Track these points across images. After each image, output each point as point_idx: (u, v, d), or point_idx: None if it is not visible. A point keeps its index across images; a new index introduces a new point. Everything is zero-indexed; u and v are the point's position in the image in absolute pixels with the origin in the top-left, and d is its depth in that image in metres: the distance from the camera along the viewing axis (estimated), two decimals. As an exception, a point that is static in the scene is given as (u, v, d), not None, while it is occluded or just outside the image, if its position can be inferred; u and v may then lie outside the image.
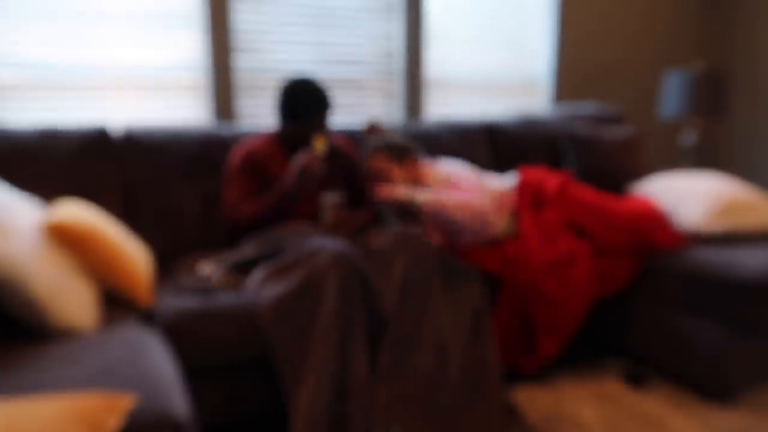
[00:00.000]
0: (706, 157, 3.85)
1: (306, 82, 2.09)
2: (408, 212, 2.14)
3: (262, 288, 1.77)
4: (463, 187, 2.17)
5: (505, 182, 2.34)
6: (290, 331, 1.68)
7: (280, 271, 1.79)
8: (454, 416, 1.75)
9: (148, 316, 1.71)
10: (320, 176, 2.01)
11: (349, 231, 2.07)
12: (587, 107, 3.06)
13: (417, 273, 1.80)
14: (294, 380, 1.65)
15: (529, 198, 2.28)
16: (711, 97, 3.03)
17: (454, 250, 2.12)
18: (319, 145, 2.01)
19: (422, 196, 2.08)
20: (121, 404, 1.04)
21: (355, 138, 2.49)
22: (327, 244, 1.77)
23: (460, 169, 2.25)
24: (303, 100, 2.08)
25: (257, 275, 1.84)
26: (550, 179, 2.33)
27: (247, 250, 1.97)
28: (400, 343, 1.74)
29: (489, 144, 2.79)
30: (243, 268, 1.92)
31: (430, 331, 1.77)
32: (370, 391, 1.67)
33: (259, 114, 2.75)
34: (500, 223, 2.22)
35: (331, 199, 2.03)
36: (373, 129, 2.42)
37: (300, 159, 1.97)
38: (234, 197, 2.10)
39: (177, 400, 1.16)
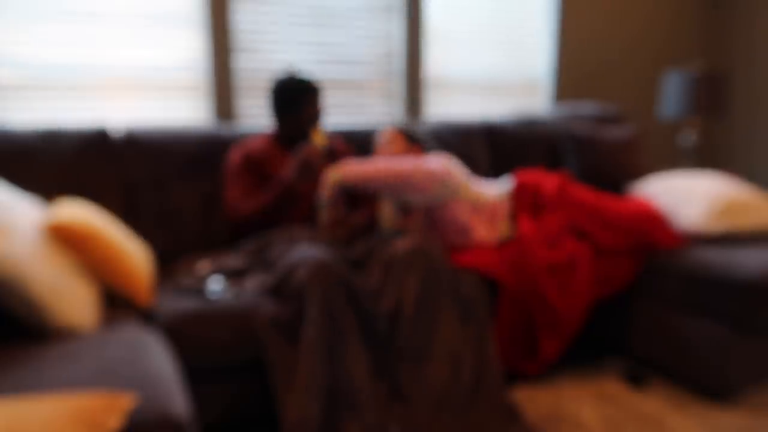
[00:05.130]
0: (706, 157, 3.85)
1: (291, 75, 2.17)
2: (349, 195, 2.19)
3: (260, 302, 1.78)
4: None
5: (500, 187, 2.33)
6: (282, 343, 1.70)
7: (275, 289, 1.81)
8: (457, 417, 1.75)
9: (148, 316, 1.71)
10: (321, 168, 2.03)
11: (346, 231, 2.08)
12: (587, 107, 3.06)
13: (431, 285, 1.80)
14: (284, 389, 1.66)
15: (526, 201, 2.28)
16: (711, 97, 3.03)
17: (454, 253, 2.12)
18: (318, 138, 2.03)
19: (334, 174, 2.03)
20: (121, 404, 1.04)
21: (354, 139, 2.49)
22: (307, 255, 1.77)
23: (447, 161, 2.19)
24: (292, 92, 2.15)
25: (252, 284, 1.86)
26: (548, 181, 2.33)
27: (238, 258, 1.98)
28: (414, 355, 1.74)
29: (489, 144, 2.79)
30: (236, 275, 1.94)
31: (444, 341, 1.79)
32: (368, 395, 1.68)
33: (259, 114, 2.76)
34: (500, 229, 2.22)
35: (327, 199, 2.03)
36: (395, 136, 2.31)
37: (300, 151, 1.99)
38: (236, 196, 2.11)
39: (177, 400, 1.16)
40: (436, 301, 1.82)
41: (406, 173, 2.03)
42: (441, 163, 2.10)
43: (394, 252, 1.85)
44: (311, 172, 2.01)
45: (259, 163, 2.16)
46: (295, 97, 2.15)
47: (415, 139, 2.30)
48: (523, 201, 2.28)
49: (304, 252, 1.81)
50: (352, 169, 2.02)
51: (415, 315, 1.77)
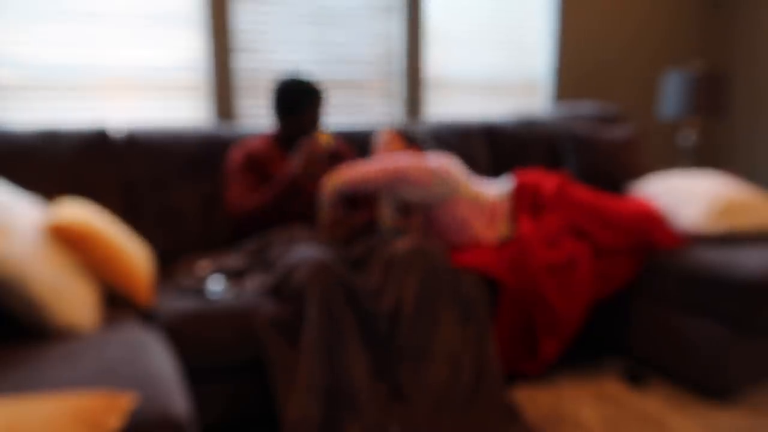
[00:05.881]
0: (706, 157, 3.85)
1: (296, 77, 2.17)
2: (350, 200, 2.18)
3: (259, 301, 1.78)
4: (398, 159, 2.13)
5: (500, 187, 2.33)
6: (282, 343, 1.70)
7: (274, 290, 1.81)
8: (457, 417, 1.75)
9: (148, 316, 1.71)
10: (324, 165, 2.02)
11: (346, 231, 2.08)
12: (587, 107, 3.06)
13: (430, 286, 1.81)
14: (284, 390, 1.66)
15: (526, 201, 2.28)
16: (711, 97, 3.03)
17: (454, 253, 2.12)
18: (323, 138, 2.04)
19: (332, 182, 2.04)
20: (121, 404, 1.04)
21: (353, 139, 2.49)
22: (306, 256, 1.77)
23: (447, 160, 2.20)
24: (296, 94, 2.15)
25: (252, 284, 1.86)
26: (547, 181, 2.33)
27: (238, 258, 1.98)
28: (414, 356, 1.75)
29: (488, 144, 2.79)
30: (236, 275, 1.94)
31: (443, 341, 1.79)
32: (368, 395, 1.68)
33: (259, 114, 2.76)
34: (500, 228, 2.22)
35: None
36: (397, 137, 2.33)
37: (305, 144, 2.01)
38: (238, 193, 2.11)
39: (177, 400, 1.16)
40: (436, 301, 1.82)
41: (404, 168, 2.03)
42: (440, 162, 2.10)
43: (394, 252, 1.85)
44: (315, 164, 2.01)
45: (260, 163, 2.16)
46: (299, 99, 2.15)
47: (413, 139, 2.30)
48: (523, 201, 2.28)
49: (303, 252, 1.81)
50: (349, 173, 2.02)
51: (414, 315, 1.77)
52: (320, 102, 2.18)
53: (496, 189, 2.31)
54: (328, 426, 1.62)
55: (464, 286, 1.92)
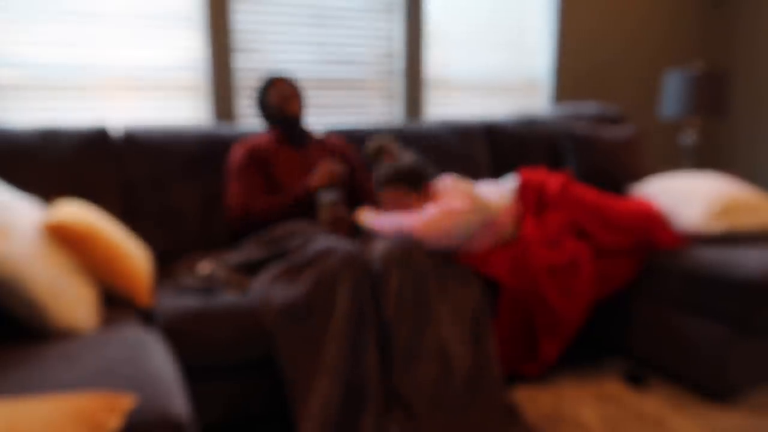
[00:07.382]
0: (706, 157, 3.85)
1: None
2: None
3: (269, 290, 1.76)
4: (447, 195, 2.07)
5: (504, 187, 2.32)
6: (301, 332, 1.68)
7: (289, 273, 1.78)
8: (456, 417, 1.75)
9: (148, 316, 1.71)
10: (343, 179, 2.14)
11: (346, 229, 2.08)
12: (587, 107, 3.06)
13: (413, 285, 1.79)
14: (304, 382, 1.64)
15: (531, 199, 2.27)
16: (711, 97, 3.03)
17: (454, 254, 2.12)
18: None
19: (363, 219, 2.08)
20: (121, 404, 1.04)
21: (354, 139, 2.49)
22: (337, 245, 1.77)
23: (455, 183, 2.15)
24: (260, 87, 2.31)
25: (263, 277, 1.84)
26: (551, 180, 2.33)
27: (250, 251, 1.97)
28: (402, 355, 1.74)
29: (489, 144, 2.79)
30: (247, 269, 1.92)
31: (432, 340, 1.78)
32: (379, 393, 1.67)
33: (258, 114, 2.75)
34: (508, 226, 2.21)
35: (328, 197, 2.03)
36: (381, 151, 2.27)
37: (325, 164, 2.10)
38: (241, 192, 2.11)
39: (177, 400, 1.16)
40: (418, 298, 1.79)
41: (438, 238, 1.96)
42: (460, 199, 2.03)
43: (371, 254, 1.84)
44: (335, 182, 2.09)
45: (262, 158, 2.17)
46: (261, 93, 2.30)
47: (418, 178, 2.14)
48: (528, 199, 2.27)
49: (331, 242, 1.80)
50: (378, 225, 2.02)
51: (395, 315, 1.75)
52: (279, 86, 2.25)
53: (502, 190, 2.28)
54: (346, 419, 1.62)
55: (456, 283, 1.91)
